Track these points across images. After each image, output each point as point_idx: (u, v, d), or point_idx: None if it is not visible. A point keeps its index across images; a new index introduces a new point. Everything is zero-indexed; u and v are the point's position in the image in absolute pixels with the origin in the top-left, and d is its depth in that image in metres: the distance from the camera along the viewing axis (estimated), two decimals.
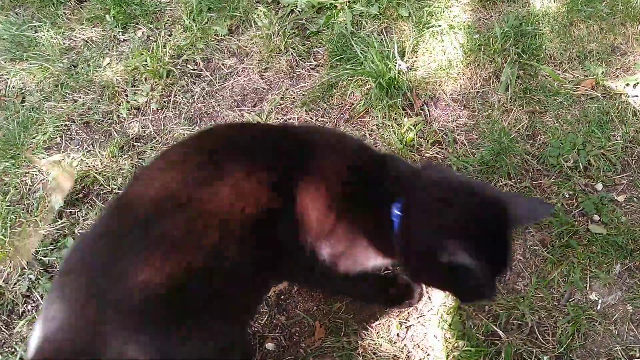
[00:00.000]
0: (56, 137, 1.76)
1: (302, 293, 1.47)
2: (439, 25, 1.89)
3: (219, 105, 1.83)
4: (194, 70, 1.91)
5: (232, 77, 1.90)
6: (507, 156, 1.63)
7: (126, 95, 1.85)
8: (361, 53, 1.82)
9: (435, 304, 1.41)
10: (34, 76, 1.91)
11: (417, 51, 1.87)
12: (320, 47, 1.92)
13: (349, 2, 1.97)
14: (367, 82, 1.79)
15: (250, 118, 1.78)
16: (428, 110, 1.76)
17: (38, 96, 1.85)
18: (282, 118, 1.78)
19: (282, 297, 1.46)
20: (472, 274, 0.95)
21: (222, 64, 1.92)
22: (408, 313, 1.41)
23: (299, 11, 1.99)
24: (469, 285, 1.02)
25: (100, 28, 2.03)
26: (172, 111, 1.82)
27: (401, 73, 1.79)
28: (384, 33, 1.90)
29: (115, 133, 1.77)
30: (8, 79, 1.91)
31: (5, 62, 1.95)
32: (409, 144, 1.67)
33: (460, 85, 1.81)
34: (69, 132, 1.78)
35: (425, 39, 1.89)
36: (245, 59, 1.93)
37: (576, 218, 1.53)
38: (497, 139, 1.66)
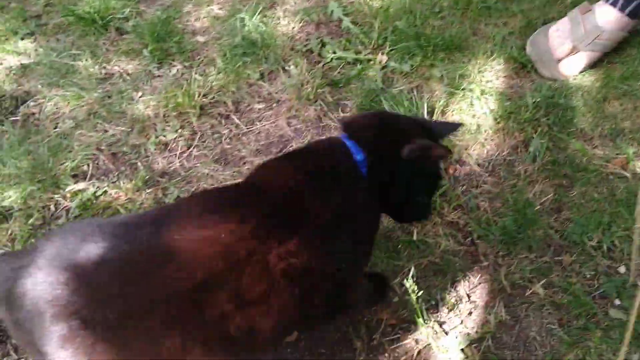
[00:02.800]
0: (83, 166, 1.79)
1: (311, 348, 1.44)
2: (471, 89, 1.90)
3: (244, 148, 1.85)
4: (223, 112, 1.93)
5: (259, 121, 1.92)
6: (529, 228, 1.60)
7: (155, 130, 1.87)
8: (390, 109, 1.83)
9: None
10: (68, 103, 1.95)
11: (446, 112, 1.88)
12: (349, 99, 1.94)
13: (381, 61, 1.99)
14: None
15: None
16: (453, 173, 1.75)
17: (70, 123, 1.89)
18: None
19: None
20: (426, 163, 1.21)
21: (251, 108, 1.95)
22: None
23: (331, 65, 2.02)
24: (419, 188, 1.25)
25: (137, 61, 2.08)
26: (199, 150, 1.85)
27: None
28: (414, 91, 1.91)
29: (141, 166, 1.79)
30: (43, 103, 1.96)
31: (42, 87, 2.00)
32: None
33: (487, 151, 1.80)
34: (97, 162, 1.81)
35: (456, 101, 1.89)
36: (274, 105, 1.95)
37: (596, 300, 1.49)
38: (521, 209, 1.64)
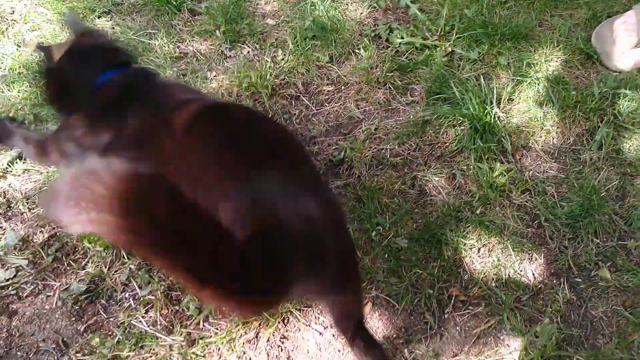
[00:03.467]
0: None
1: (383, 320, 1.51)
2: (537, 78, 1.94)
3: (314, 128, 1.91)
4: (294, 93, 2.00)
5: (328, 103, 1.99)
6: (595, 213, 1.65)
7: None
8: (459, 95, 1.88)
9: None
10: None
11: (512, 99, 1.93)
12: (417, 84, 1.99)
13: (449, 46, 2.04)
14: (462, 123, 1.85)
15: (345, 145, 1.85)
16: (520, 158, 1.80)
17: None
18: (374, 148, 1.85)
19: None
20: None
21: (321, 90, 2.01)
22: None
23: (399, 49, 2.07)
24: None
25: (210, 42, 2.16)
26: None
27: (498, 119, 1.84)
28: (482, 78, 1.96)
29: None
30: None
31: None
32: (499, 188, 1.71)
33: (553, 138, 1.84)
34: None
35: (522, 88, 1.94)
36: (343, 88, 2.02)
37: None
38: (586, 195, 1.69)
